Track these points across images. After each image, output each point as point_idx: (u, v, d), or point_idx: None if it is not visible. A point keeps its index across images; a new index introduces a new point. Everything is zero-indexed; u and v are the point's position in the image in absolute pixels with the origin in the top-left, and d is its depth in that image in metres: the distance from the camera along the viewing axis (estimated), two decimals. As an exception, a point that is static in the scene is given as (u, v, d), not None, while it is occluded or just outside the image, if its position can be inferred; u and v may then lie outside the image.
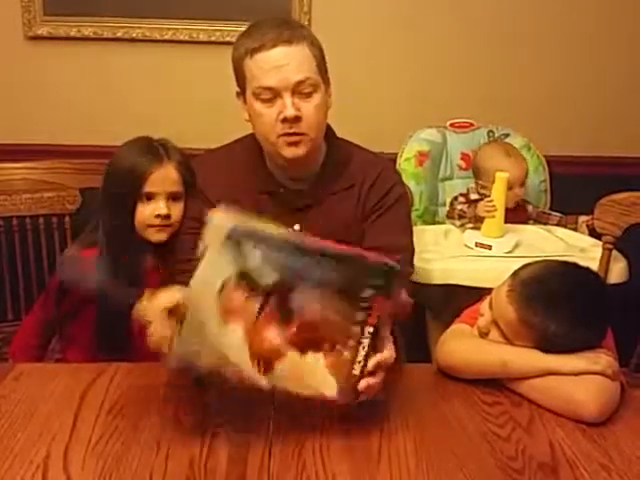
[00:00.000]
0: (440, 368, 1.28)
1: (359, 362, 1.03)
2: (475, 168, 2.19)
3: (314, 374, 1.04)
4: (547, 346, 1.18)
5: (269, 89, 1.36)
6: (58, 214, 1.91)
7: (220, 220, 1.00)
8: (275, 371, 1.04)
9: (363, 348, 1.02)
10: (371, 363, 1.06)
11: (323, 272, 0.95)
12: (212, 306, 1.00)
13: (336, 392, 1.04)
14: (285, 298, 0.99)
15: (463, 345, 1.28)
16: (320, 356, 1.03)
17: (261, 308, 1.00)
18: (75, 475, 0.98)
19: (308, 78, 1.36)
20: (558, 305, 1.18)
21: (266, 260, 0.98)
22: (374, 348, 1.04)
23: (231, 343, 1.01)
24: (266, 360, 1.03)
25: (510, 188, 2.06)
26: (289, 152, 1.40)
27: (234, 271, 1.00)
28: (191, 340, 1.02)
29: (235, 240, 1.00)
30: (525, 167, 2.13)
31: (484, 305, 1.29)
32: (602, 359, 1.17)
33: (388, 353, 1.08)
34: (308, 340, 1.02)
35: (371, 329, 1.01)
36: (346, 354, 1.02)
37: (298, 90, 1.36)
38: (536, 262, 1.26)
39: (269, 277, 0.98)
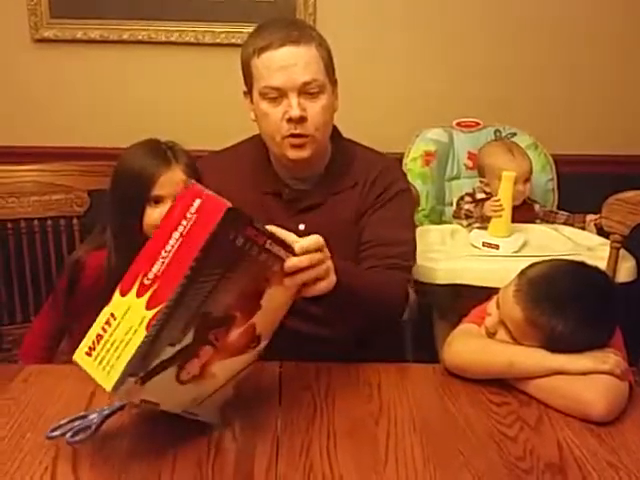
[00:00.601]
0: (447, 368, 1.28)
1: (283, 256, 1.02)
2: (479, 166, 2.19)
3: (278, 298, 1.06)
4: (554, 346, 1.18)
5: (275, 89, 1.35)
6: (66, 216, 1.92)
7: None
8: (262, 337, 1.08)
9: (276, 250, 1.01)
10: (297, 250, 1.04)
11: (205, 285, 0.92)
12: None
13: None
14: (207, 326, 0.97)
15: (470, 345, 1.28)
16: (270, 289, 1.03)
17: (210, 344, 0.98)
18: (84, 475, 0.99)
19: (315, 80, 1.36)
20: (565, 305, 1.18)
21: (172, 339, 0.95)
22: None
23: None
24: (252, 340, 1.06)
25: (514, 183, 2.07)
26: (294, 154, 1.39)
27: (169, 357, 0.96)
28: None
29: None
30: (527, 164, 2.13)
31: (491, 305, 1.29)
32: (610, 358, 1.17)
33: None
34: (253, 303, 1.02)
35: (268, 244, 0.98)
36: (276, 268, 1.01)
37: (304, 91, 1.35)
38: (543, 261, 1.26)
39: (187, 339, 0.96)
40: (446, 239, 2.05)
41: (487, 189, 2.12)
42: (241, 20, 2.25)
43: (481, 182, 2.16)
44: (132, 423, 1.12)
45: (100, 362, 0.93)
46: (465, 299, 1.79)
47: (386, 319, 1.46)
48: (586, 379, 1.15)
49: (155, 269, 0.91)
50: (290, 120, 1.36)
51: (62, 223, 1.93)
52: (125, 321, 0.93)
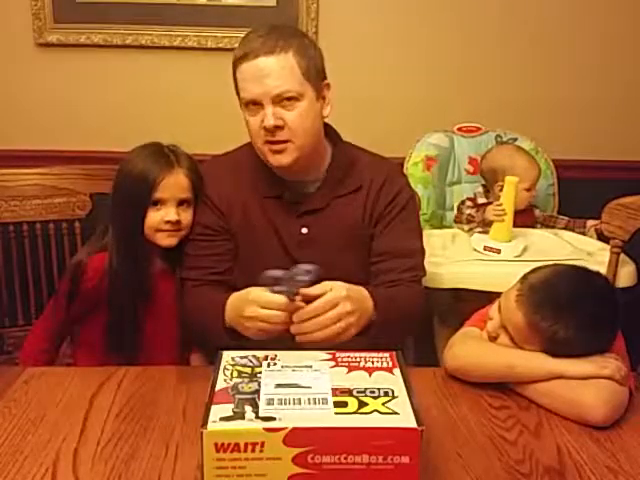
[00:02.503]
0: (448, 371, 1.29)
1: None
2: (489, 170, 2.16)
3: None
4: (555, 351, 1.18)
5: (251, 101, 1.37)
6: (68, 219, 1.93)
7: None
8: None
9: None
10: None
11: None
12: None
13: None
14: None
15: (471, 348, 1.28)
16: None
17: None
18: (84, 477, 0.99)
19: (288, 90, 1.36)
20: (566, 311, 1.18)
21: None
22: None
23: None
24: None
25: (528, 189, 2.08)
26: (274, 160, 1.41)
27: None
28: None
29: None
30: (539, 169, 2.15)
31: (493, 309, 1.29)
32: (610, 363, 1.17)
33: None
34: None
35: None
36: None
37: (279, 100, 1.36)
38: (545, 266, 1.26)
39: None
40: (447, 244, 2.05)
41: (500, 194, 2.10)
42: (244, 25, 2.22)
43: (495, 186, 2.13)
44: (133, 424, 1.12)
45: (222, 473, 0.89)
46: (465, 303, 1.80)
47: (409, 333, 1.53)
48: (586, 384, 1.15)
49: (326, 462, 0.89)
50: (266, 129, 1.37)
51: (64, 226, 1.93)
52: (267, 471, 0.90)
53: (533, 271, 1.26)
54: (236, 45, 2.21)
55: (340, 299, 1.22)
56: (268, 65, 1.35)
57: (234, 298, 1.32)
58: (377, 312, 1.31)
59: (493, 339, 1.27)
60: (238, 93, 1.42)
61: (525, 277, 1.25)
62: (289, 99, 1.36)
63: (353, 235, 1.49)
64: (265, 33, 1.38)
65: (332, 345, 1.15)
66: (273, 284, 1.18)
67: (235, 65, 1.40)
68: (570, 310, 1.18)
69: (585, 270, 1.26)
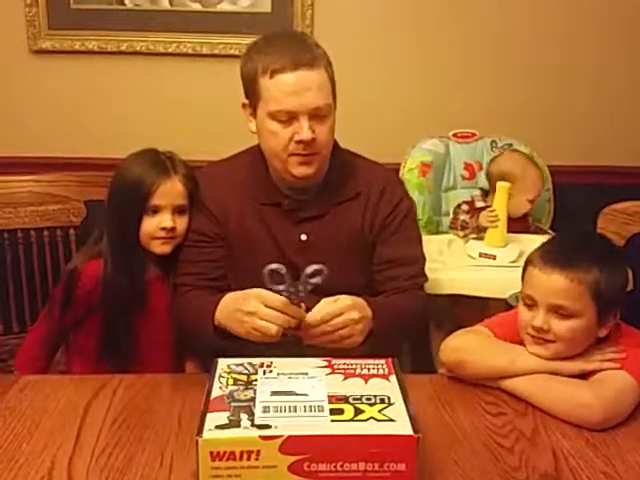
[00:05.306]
0: (444, 363, 1.28)
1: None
2: (499, 173, 2.13)
3: None
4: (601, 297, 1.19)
5: (287, 112, 1.37)
6: (63, 226, 1.92)
7: None
8: None
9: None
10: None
11: None
12: None
13: None
14: None
15: (471, 341, 1.29)
16: None
17: None
18: (79, 486, 0.99)
19: (326, 104, 1.38)
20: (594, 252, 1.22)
21: None
22: None
23: None
24: None
25: (532, 201, 2.11)
26: (300, 171, 1.41)
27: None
28: None
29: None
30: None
31: (522, 313, 1.25)
32: (597, 355, 1.19)
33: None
34: None
35: None
36: None
37: (315, 114, 1.37)
38: (538, 247, 1.27)
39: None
40: (443, 250, 2.05)
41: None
42: (239, 31, 2.26)
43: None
44: (128, 433, 1.12)
45: None
46: (462, 309, 1.80)
47: (409, 339, 1.58)
48: (584, 382, 1.16)
49: (322, 470, 0.90)
50: (300, 142, 1.37)
51: (59, 233, 1.92)
52: (263, 479, 0.89)
53: (532, 255, 1.26)
54: (232, 51, 2.27)
55: (346, 308, 1.24)
56: (309, 79, 1.35)
57: (232, 294, 1.32)
58: (375, 321, 1.31)
59: (545, 332, 1.21)
60: (258, 102, 1.40)
61: (531, 262, 1.24)
62: (323, 114, 1.38)
63: (353, 241, 1.49)
64: (294, 44, 1.38)
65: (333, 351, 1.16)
66: (275, 282, 1.17)
67: (263, 75, 1.37)
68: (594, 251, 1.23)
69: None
